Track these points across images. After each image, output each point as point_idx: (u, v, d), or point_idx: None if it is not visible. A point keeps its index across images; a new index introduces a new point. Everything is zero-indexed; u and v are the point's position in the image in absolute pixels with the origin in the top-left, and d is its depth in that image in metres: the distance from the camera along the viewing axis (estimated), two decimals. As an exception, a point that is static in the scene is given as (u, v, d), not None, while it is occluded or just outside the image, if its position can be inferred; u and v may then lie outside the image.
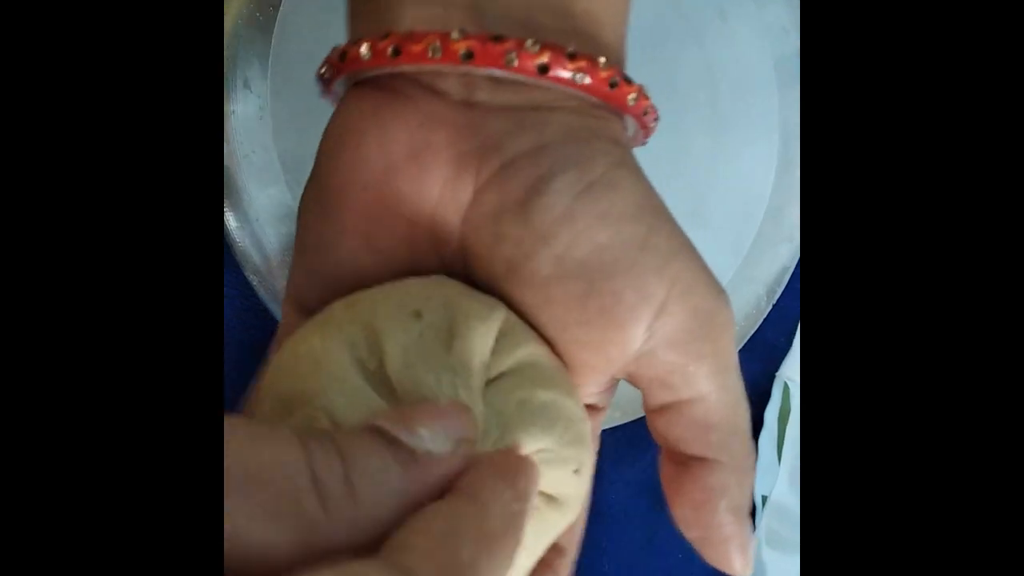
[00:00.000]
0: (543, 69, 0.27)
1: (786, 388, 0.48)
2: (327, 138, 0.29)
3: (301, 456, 0.21)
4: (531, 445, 0.26)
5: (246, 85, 0.46)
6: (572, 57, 0.27)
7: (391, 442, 0.22)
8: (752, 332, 0.47)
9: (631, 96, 0.28)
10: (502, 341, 0.27)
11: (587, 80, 0.27)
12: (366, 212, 0.28)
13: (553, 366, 0.28)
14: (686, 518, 0.29)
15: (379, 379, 0.26)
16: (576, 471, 0.27)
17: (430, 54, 0.26)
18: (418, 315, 0.26)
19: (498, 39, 0.26)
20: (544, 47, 0.26)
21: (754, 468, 0.29)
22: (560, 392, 0.27)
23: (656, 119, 0.30)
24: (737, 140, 0.47)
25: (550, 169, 0.27)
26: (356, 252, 0.29)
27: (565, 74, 0.27)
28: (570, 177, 0.27)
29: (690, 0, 0.47)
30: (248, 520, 0.19)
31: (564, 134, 0.27)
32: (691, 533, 0.29)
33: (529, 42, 0.26)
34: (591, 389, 0.29)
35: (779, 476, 0.48)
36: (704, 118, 0.47)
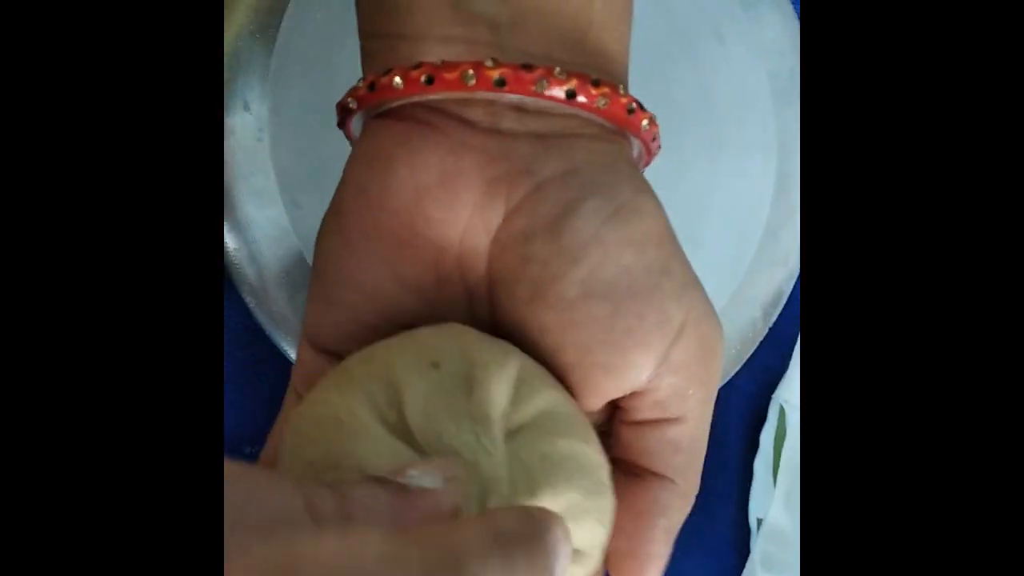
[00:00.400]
0: (571, 95, 0.28)
1: (782, 411, 0.48)
2: (352, 167, 0.30)
3: (298, 492, 0.21)
4: (558, 500, 0.26)
5: (245, 107, 0.46)
6: (596, 84, 0.28)
7: (383, 481, 0.22)
8: (749, 354, 0.47)
9: (644, 122, 0.29)
10: (521, 388, 0.27)
11: (608, 106, 0.28)
12: (394, 239, 0.29)
13: (571, 412, 0.28)
14: (621, 527, 0.29)
15: (400, 431, 0.26)
16: (599, 521, 0.27)
17: (465, 81, 0.27)
18: (436, 365, 0.27)
19: (528, 67, 0.27)
20: (571, 75, 0.28)
21: (692, 502, 0.30)
22: (580, 440, 0.28)
23: (659, 147, 0.31)
24: (733, 161, 0.47)
25: (580, 193, 0.28)
26: (381, 281, 0.29)
27: (590, 100, 0.28)
28: (599, 201, 0.28)
29: (686, 22, 0.47)
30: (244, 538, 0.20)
31: (590, 159, 0.28)
32: (616, 543, 0.29)
33: (557, 70, 0.28)
34: (594, 410, 0.29)
35: (775, 499, 0.48)
36: (700, 139, 0.47)
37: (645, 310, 0.28)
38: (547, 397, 0.27)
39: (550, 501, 0.26)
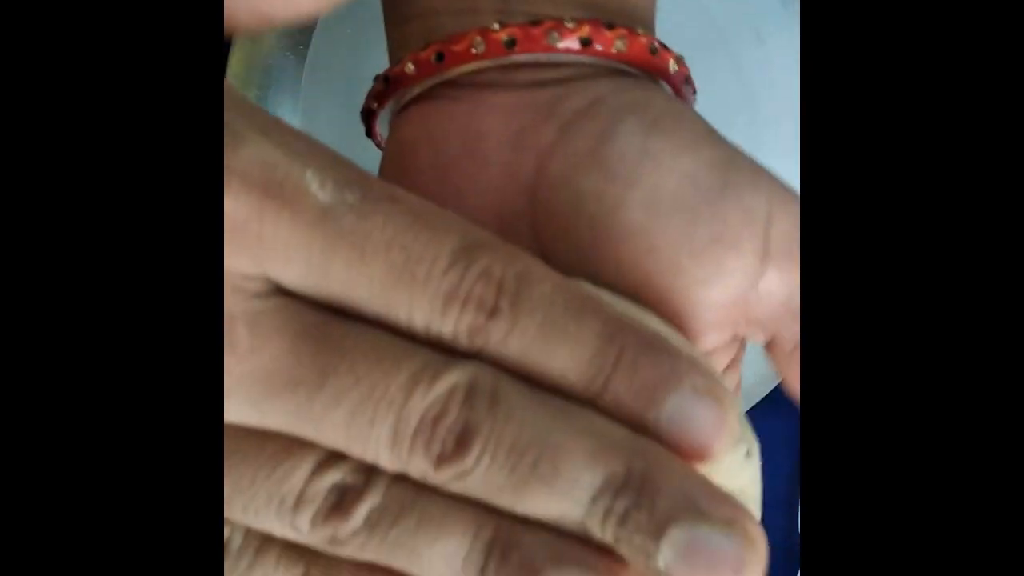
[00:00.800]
0: (585, 43, 0.26)
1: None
2: (382, 167, 0.29)
3: None
4: None
5: (277, 124, 0.46)
6: (611, 27, 0.27)
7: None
8: (771, 388, 0.45)
9: (671, 62, 0.28)
10: None
11: (627, 47, 0.27)
12: None
13: (685, 344, 0.25)
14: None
15: None
16: (748, 454, 0.24)
17: (474, 50, 0.26)
18: None
19: (536, 22, 0.26)
20: (581, 22, 0.26)
21: None
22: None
23: (695, 92, 0.29)
24: (774, 162, 0.46)
25: (611, 116, 0.26)
26: None
27: (607, 45, 0.26)
28: (634, 118, 0.26)
29: (725, 22, 0.46)
30: None
31: (615, 87, 0.27)
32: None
33: (567, 19, 0.26)
34: (716, 343, 0.26)
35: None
36: (741, 141, 0.46)
37: (724, 210, 0.25)
38: (636, 317, 0.24)
39: None
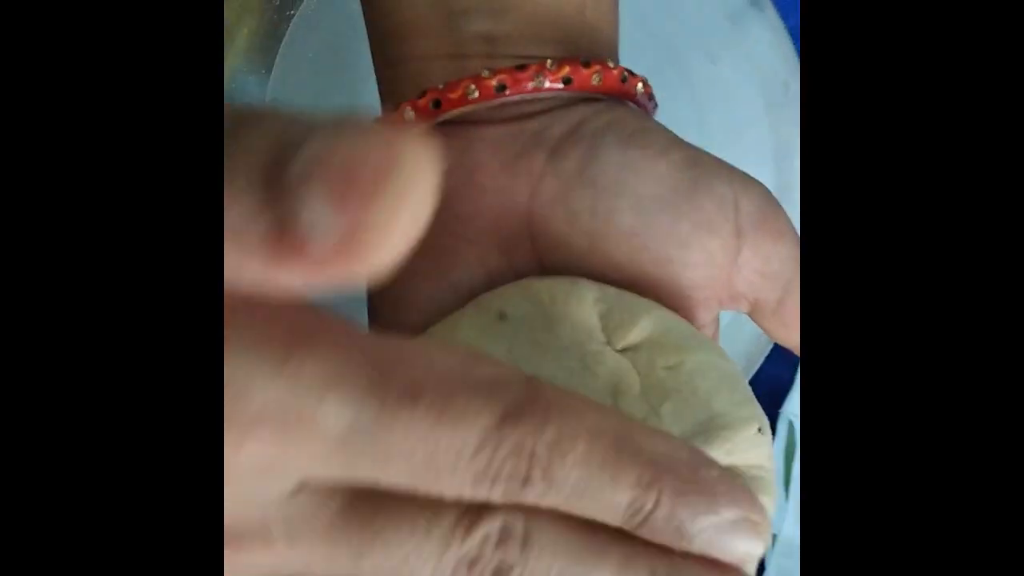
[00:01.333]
0: (567, 81, 0.29)
1: (791, 426, 0.48)
2: None
3: None
4: (700, 413, 0.25)
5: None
6: (587, 64, 0.30)
7: (274, 181, 0.19)
8: (755, 369, 0.47)
9: (639, 85, 0.31)
10: (613, 315, 0.26)
11: (602, 81, 0.30)
12: (432, 252, 0.28)
13: (687, 328, 0.27)
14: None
15: None
16: (760, 429, 0.26)
17: (469, 96, 0.29)
18: (503, 316, 0.26)
19: (522, 67, 0.29)
20: (562, 63, 0.29)
21: None
22: (709, 351, 0.26)
23: (656, 106, 0.33)
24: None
25: (593, 138, 0.29)
26: (432, 292, 0.29)
27: (585, 81, 0.30)
28: (613, 135, 0.29)
29: (675, 43, 0.47)
30: None
31: (590, 112, 0.30)
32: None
33: (549, 62, 0.29)
34: (705, 320, 0.30)
35: (788, 513, 0.48)
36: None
37: (698, 201, 0.28)
38: (651, 317, 0.27)
39: (692, 415, 0.25)
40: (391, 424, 0.20)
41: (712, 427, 0.25)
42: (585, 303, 0.26)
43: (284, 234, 0.17)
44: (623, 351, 0.26)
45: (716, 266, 0.29)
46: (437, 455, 0.20)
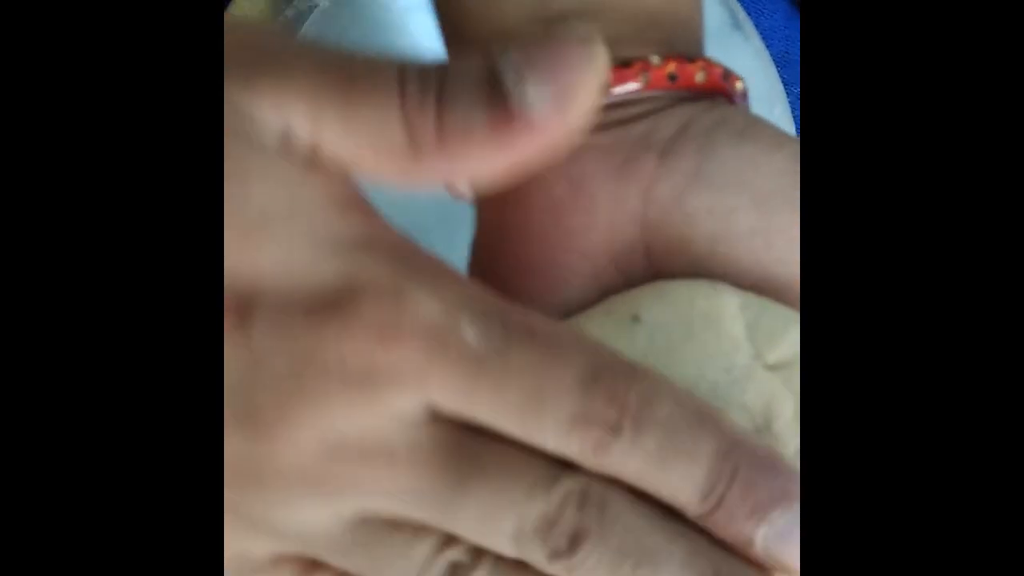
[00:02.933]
0: (673, 78, 0.29)
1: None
2: (482, 211, 0.30)
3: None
4: None
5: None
6: (692, 60, 0.29)
7: (492, 83, 0.23)
8: None
9: (739, 83, 0.30)
10: (760, 325, 0.25)
11: (706, 78, 0.29)
12: (543, 270, 0.28)
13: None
14: None
15: None
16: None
17: None
18: (636, 319, 0.25)
19: (626, 63, 0.28)
20: (667, 59, 0.28)
21: None
22: None
23: (748, 106, 0.32)
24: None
25: (705, 136, 0.28)
26: (545, 312, 0.28)
27: (690, 78, 0.29)
28: (725, 132, 0.28)
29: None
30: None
31: (695, 111, 0.29)
32: None
33: (653, 59, 0.28)
34: None
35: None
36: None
37: None
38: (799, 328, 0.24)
39: None
40: (512, 349, 0.23)
41: None
42: (729, 309, 0.25)
43: (510, 113, 0.22)
44: (773, 367, 0.25)
45: None
46: (545, 387, 0.22)
